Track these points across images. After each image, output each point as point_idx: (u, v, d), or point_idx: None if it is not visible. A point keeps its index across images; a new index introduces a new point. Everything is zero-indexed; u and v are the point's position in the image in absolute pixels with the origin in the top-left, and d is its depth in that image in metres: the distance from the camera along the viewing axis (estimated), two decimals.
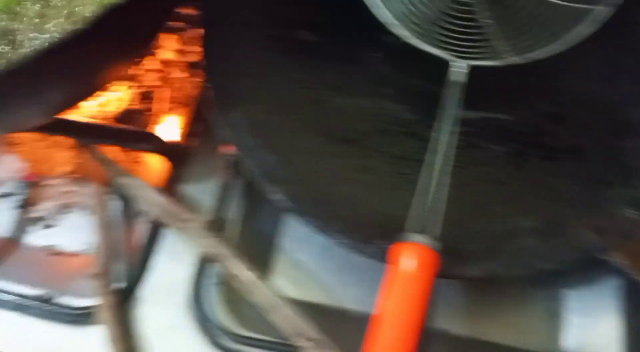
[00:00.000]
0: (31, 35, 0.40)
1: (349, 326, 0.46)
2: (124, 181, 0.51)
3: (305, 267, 0.51)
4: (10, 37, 0.39)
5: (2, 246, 0.54)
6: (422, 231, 0.39)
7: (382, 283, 0.49)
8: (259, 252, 0.51)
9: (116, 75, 0.51)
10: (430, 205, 0.40)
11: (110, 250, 0.50)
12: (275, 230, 0.52)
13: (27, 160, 0.58)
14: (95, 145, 0.52)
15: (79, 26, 0.37)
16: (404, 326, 0.35)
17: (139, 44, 0.48)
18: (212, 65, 0.48)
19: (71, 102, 0.50)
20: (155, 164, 0.56)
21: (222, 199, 0.52)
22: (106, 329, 0.46)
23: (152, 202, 0.49)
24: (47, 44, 0.37)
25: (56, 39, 0.37)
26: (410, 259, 0.37)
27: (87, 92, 0.49)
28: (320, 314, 0.46)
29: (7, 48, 0.39)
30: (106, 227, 0.51)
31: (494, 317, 0.49)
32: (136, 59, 0.53)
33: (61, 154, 0.57)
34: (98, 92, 0.52)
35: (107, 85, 0.51)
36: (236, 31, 0.51)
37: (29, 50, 0.38)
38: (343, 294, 0.50)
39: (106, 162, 0.52)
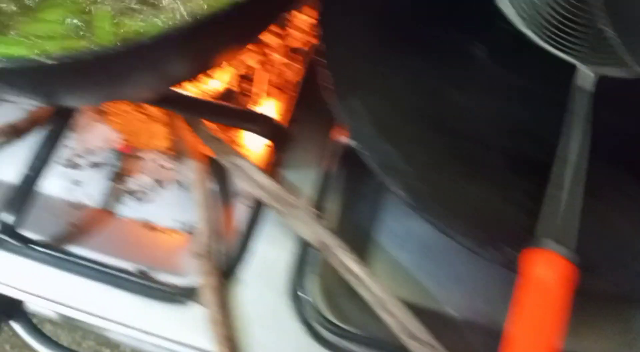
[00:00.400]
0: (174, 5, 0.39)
1: (445, 330, 0.45)
2: (229, 159, 0.50)
3: (402, 265, 0.50)
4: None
5: (95, 216, 0.54)
6: (556, 240, 0.38)
7: (482, 290, 0.49)
8: (356, 245, 0.50)
9: (229, 57, 0.51)
10: (563, 214, 0.39)
11: (211, 230, 0.49)
12: (374, 224, 0.51)
13: (122, 131, 0.57)
14: (201, 121, 0.51)
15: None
16: (539, 346, 0.34)
17: (257, 30, 0.47)
18: (331, 52, 0.47)
19: (183, 79, 0.49)
20: (258, 146, 0.55)
21: (323, 188, 0.51)
22: (208, 310, 0.46)
23: (257, 183, 0.49)
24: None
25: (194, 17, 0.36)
26: (549, 270, 0.36)
27: (200, 70, 0.49)
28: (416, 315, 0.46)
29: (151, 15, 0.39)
30: (207, 205, 0.51)
31: (595, 332, 0.48)
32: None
33: (158, 127, 0.57)
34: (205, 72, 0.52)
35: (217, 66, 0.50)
36: (356, 19, 0.50)
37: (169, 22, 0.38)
38: (440, 297, 0.49)
39: (212, 139, 0.51)
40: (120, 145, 0.57)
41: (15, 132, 0.57)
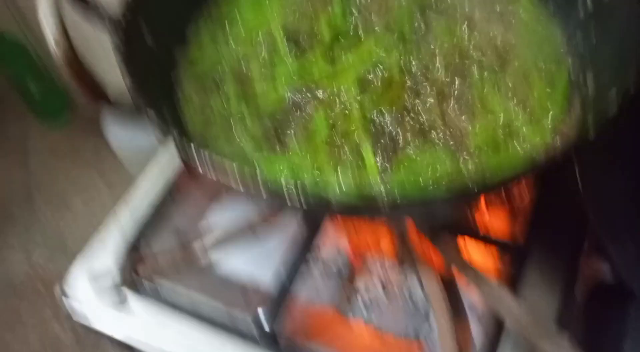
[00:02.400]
0: None
1: None
2: (472, 277, 0.51)
3: None
4: None
5: (327, 317, 0.56)
6: None
7: None
8: None
9: None
10: None
11: (452, 344, 0.50)
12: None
13: (353, 237, 0.60)
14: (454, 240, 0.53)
15: None
16: None
17: None
18: (594, 196, 0.49)
19: None
20: (496, 263, 0.56)
21: (563, 314, 0.51)
22: None
23: (501, 303, 0.49)
24: None
25: None
26: None
27: None
28: None
29: None
30: (446, 318, 0.52)
31: None
32: None
33: (387, 235, 0.59)
34: None
35: None
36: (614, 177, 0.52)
37: None
38: None
39: (459, 257, 0.53)
40: (349, 247, 0.59)
41: (251, 229, 0.61)
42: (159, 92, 0.51)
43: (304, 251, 0.55)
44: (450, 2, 0.58)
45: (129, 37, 0.49)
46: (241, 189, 0.38)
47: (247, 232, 0.61)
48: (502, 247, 0.56)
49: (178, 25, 0.58)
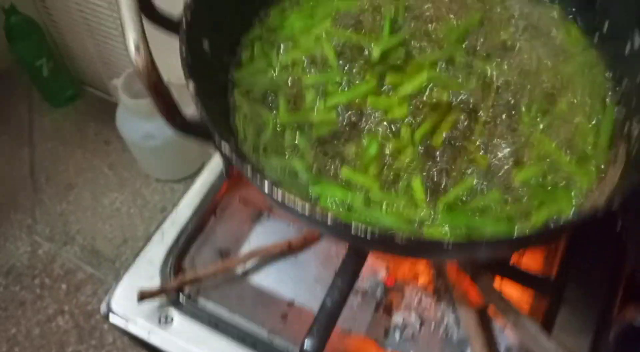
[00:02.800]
0: None
1: None
2: (511, 316, 0.53)
3: None
4: None
5: (360, 344, 0.57)
6: None
7: None
8: None
9: None
10: None
11: None
12: None
13: (389, 265, 0.61)
14: (491, 277, 0.55)
15: None
16: None
17: None
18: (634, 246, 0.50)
19: None
20: (529, 301, 0.58)
21: None
22: None
23: (540, 346, 0.51)
24: None
25: None
26: None
27: None
28: None
29: None
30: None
31: None
32: None
33: (424, 266, 0.61)
34: None
35: None
36: None
37: None
38: None
39: (496, 295, 0.54)
40: (386, 277, 0.61)
41: (291, 249, 0.62)
42: (215, 101, 0.52)
43: (351, 281, 0.56)
44: (498, 34, 0.58)
45: (191, 43, 0.49)
46: (306, 219, 0.39)
47: (287, 253, 0.62)
48: (539, 286, 0.57)
49: (232, 34, 0.59)
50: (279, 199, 0.40)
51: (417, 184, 0.48)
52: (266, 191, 0.40)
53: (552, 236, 0.44)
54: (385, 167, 0.51)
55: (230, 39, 0.59)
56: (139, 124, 1.40)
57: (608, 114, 0.53)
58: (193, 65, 0.47)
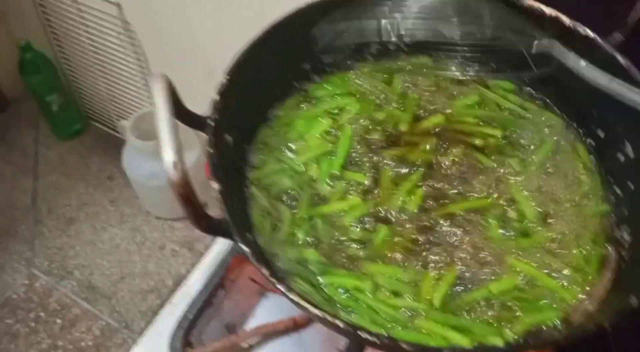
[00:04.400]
0: None
1: None
2: None
3: None
4: None
5: None
6: None
7: None
8: None
9: None
10: None
11: None
12: None
13: None
14: None
15: None
16: None
17: None
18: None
19: None
20: None
21: None
22: None
23: None
24: None
25: None
26: None
27: None
28: None
29: None
30: None
31: None
32: None
33: None
34: None
35: None
36: None
37: None
38: None
39: None
40: None
41: (296, 326, 0.65)
42: (235, 193, 0.56)
43: None
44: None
45: (217, 139, 0.53)
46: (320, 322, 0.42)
47: (291, 330, 0.65)
48: None
49: (250, 128, 0.63)
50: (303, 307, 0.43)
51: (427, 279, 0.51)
52: (290, 298, 0.43)
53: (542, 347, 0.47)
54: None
55: (250, 129, 0.63)
56: (144, 163, 1.43)
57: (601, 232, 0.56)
58: (218, 164, 0.51)
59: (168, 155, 0.43)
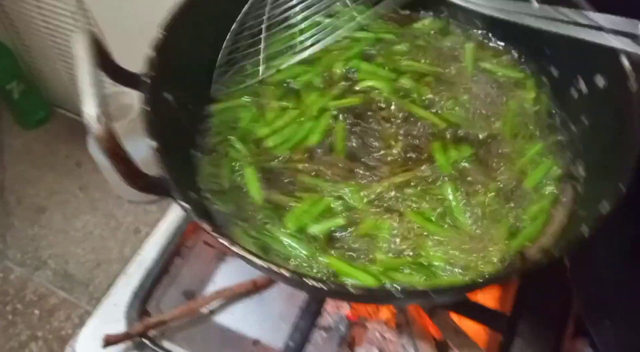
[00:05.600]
0: None
1: None
2: (468, 349, 0.55)
3: None
4: None
5: None
6: None
7: None
8: None
9: None
10: None
11: None
12: None
13: (356, 307, 0.63)
14: (448, 313, 0.57)
15: None
16: None
17: None
18: (579, 278, 0.53)
19: None
20: (485, 337, 0.60)
21: None
22: None
23: None
24: None
25: None
26: None
27: None
28: None
29: None
30: None
31: None
32: None
33: (388, 308, 0.63)
34: None
35: None
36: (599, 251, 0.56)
37: None
38: None
39: (454, 331, 0.56)
40: (349, 312, 0.62)
41: (256, 288, 0.63)
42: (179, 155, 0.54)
43: (313, 319, 0.57)
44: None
45: (154, 98, 0.51)
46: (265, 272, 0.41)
47: (252, 292, 0.64)
48: (494, 322, 0.59)
49: (196, 88, 0.61)
50: (236, 252, 0.42)
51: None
52: (229, 247, 0.42)
53: (496, 283, 0.46)
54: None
55: (197, 91, 0.60)
56: None
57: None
58: (155, 121, 0.49)
59: (90, 108, 0.41)
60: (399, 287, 0.42)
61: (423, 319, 0.61)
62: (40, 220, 1.57)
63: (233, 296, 0.63)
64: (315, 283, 0.41)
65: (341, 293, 0.44)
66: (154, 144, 0.47)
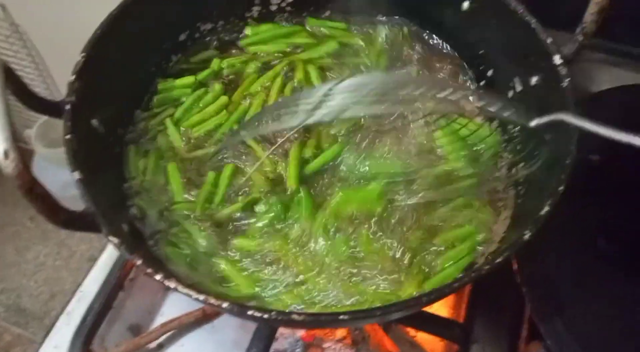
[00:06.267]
0: None
1: None
2: None
3: None
4: None
5: None
6: None
7: None
8: None
9: None
10: None
11: None
12: None
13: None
14: (400, 325, 0.56)
15: None
16: None
17: None
18: (528, 279, 0.52)
19: None
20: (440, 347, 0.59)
21: None
22: None
23: None
24: None
25: None
26: None
27: None
28: None
29: None
30: None
31: None
32: None
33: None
34: None
35: None
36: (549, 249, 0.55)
37: None
38: None
39: (406, 342, 0.55)
40: (304, 334, 0.60)
41: (206, 316, 0.61)
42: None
43: (267, 344, 0.55)
44: None
45: (77, 125, 0.48)
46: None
47: (202, 321, 0.61)
48: (449, 330, 0.58)
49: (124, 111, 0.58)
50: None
51: None
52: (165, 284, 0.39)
53: (444, 295, 0.45)
54: None
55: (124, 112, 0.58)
56: (57, 173, 1.34)
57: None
58: (79, 151, 0.46)
59: None
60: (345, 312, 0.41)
61: (379, 334, 0.59)
62: None
63: (182, 327, 0.60)
64: (256, 313, 0.39)
65: (285, 321, 0.42)
66: (77, 175, 0.44)
